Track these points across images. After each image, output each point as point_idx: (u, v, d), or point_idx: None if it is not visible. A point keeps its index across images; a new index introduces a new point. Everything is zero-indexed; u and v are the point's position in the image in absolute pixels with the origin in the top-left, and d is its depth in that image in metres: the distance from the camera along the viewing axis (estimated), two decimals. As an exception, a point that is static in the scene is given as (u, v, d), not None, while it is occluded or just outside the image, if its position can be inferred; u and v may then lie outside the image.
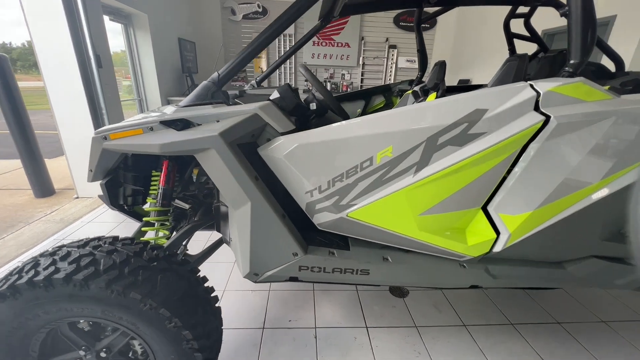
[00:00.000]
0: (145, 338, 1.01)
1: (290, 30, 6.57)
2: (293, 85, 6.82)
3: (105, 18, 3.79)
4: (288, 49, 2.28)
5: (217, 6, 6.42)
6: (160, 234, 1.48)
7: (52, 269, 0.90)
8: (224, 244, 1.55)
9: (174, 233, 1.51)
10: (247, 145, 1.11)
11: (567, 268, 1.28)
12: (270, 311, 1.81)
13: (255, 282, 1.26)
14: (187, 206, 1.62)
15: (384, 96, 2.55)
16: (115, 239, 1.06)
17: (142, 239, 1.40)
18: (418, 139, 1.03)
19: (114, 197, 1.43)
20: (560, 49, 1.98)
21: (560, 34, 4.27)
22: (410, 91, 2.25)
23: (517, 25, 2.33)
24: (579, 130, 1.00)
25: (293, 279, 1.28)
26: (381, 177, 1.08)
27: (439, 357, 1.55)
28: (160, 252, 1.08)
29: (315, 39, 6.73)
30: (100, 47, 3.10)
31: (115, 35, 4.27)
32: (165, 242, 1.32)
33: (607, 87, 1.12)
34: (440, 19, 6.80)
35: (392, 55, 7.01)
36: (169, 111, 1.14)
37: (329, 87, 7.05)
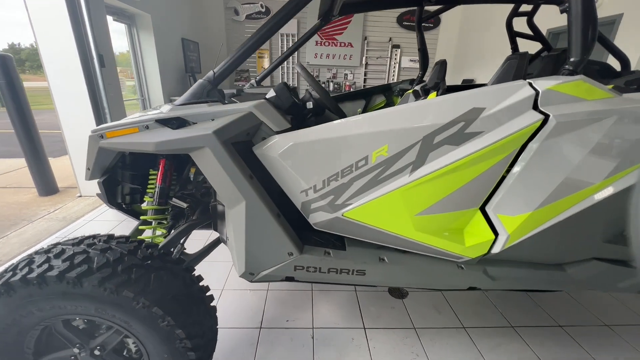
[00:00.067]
0: (138, 336, 1.01)
1: (293, 29, 6.58)
2: (295, 85, 6.83)
3: (109, 18, 3.83)
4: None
5: (220, 6, 6.45)
6: (158, 232, 1.48)
7: (45, 266, 0.90)
8: (222, 243, 1.55)
9: (172, 232, 1.51)
10: (242, 144, 1.11)
11: (568, 270, 1.25)
12: (267, 311, 1.81)
13: (251, 281, 1.26)
14: (184, 205, 1.61)
15: (384, 96, 2.54)
16: (110, 237, 1.06)
17: (139, 237, 1.41)
18: (414, 138, 1.01)
19: (112, 196, 1.44)
20: (564, 48, 1.95)
21: (565, 33, 4.21)
22: (410, 90, 2.23)
23: (520, 24, 2.31)
24: (579, 129, 0.98)
25: (289, 279, 1.27)
26: (377, 176, 1.07)
27: (436, 359, 1.53)
28: (155, 250, 1.08)
29: (318, 38, 6.73)
30: (103, 47, 3.12)
31: (121, 35, 4.31)
32: (163, 241, 1.32)
33: (610, 86, 1.10)
34: (444, 18, 6.75)
35: (395, 55, 6.98)
36: (165, 110, 1.14)
37: (331, 87, 7.04)
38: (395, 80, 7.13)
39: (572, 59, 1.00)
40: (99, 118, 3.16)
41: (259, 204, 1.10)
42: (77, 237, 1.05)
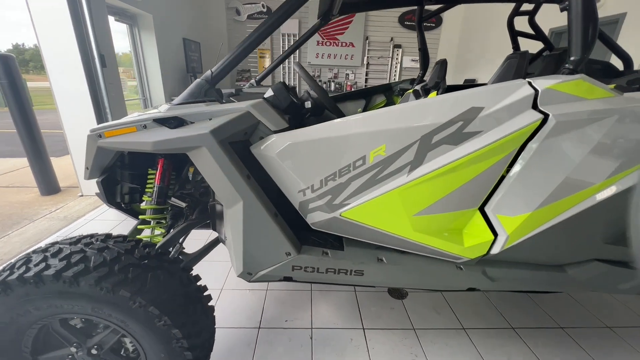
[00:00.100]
0: (135, 336, 1.01)
1: (295, 29, 6.58)
2: (295, 84, 6.83)
3: (111, 19, 3.85)
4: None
5: (222, 6, 6.46)
6: (157, 232, 1.49)
7: (42, 265, 0.90)
8: (221, 243, 1.55)
9: (171, 231, 1.51)
10: (240, 144, 1.11)
11: (569, 271, 1.24)
12: (266, 311, 1.80)
13: (249, 281, 1.25)
14: (183, 204, 1.61)
15: (385, 95, 2.53)
16: (107, 236, 1.06)
17: (138, 237, 1.41)
18: (412, 138, 1.01)
19: (111, 195, 1.44)
20: (566, 47, 1.93)
21: (569, 32, 4.17)
22: (411, 90, 2.22)
23: (522, 24, 2.29)
24: (579, 129, 0.96)
25: (287, 279, 1.26)
26: (374, 176, 1.06)
27: (436, 360, 1.52)
28: (152, 250, 1.08)
29: (319, 38, 6.73)
30: (105, 47, 3.13)
31: (124, 36, 4.32)
32: (161, 241, 1.32)
33: (612, 86, 1.08)
34: (445, 18, 6.73)
35: (397, 54, 6.96)
36: (163, 109, 1.13)
37: (332, 87, 7.03)
38: (396, 80, 7.12)
39: (572, 58, 0.99)
40: (100, 118, 3.17)
41: (256, 204, 1.09)
42: (75, 236, 1.05)
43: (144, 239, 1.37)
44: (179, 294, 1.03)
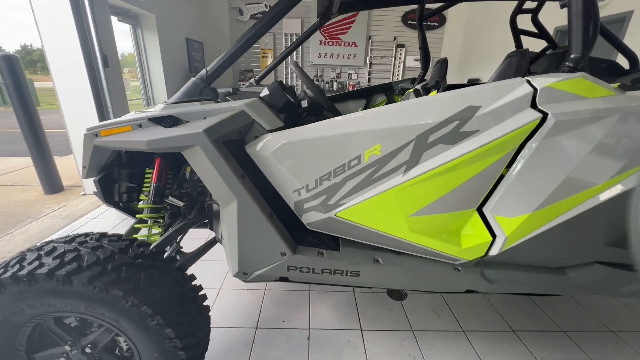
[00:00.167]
0: (128, 335, 1.00)
1: (297, 29, 6.58)
2: (295, 83, 6.82)
3: (114, 19, 3.88)
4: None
5: (224, 6, 6.48)
6: (154, 231, 1.49)
7: (36, 263, 0.90)
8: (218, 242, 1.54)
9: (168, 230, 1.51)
10: (234, 143, 1.10)
11: (569, 274, 1.22)
12: (264, 311, 1.80)
13: (245, 281, 1.25)
14: (181, 204, 1.62)
15: (385, 95, 2.51)
16: (102, 235, 1.07)
17: (135, 236, 1.42)
18: (407, 137, 0.99)
19: (109, 194, 1.44)
20: (569, 46, 1.90)
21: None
22: (411, 89, 2.20)
23: (527, 22, 2.26)
24: (579, 128, 0.94)
25: (283, 279, 1.26)
26: (370, 176, 1.05)
27: (434, 362, 1.50)
28: (146, 249, 1.07)
29: (322, 38, 6.72)
30: (108, 47, 3.16)
31: (129, 37, 4.35)
32: (157, 240, 1.32)
33: (616, 85, 1.06)
34: (449, 17, 6.68)
35: (400, 54, 6.93)
36: (159, 108, 1.13)
37: (335, 87, 7.02)
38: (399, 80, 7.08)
39: (572, 56, 0.96)
40: (103, 117, 3.19)
41: (250, 204, 1.09)
42: (70, 235, 1.05)
43: (141, 238, 1.37)
44: (173, 294, 1.02)
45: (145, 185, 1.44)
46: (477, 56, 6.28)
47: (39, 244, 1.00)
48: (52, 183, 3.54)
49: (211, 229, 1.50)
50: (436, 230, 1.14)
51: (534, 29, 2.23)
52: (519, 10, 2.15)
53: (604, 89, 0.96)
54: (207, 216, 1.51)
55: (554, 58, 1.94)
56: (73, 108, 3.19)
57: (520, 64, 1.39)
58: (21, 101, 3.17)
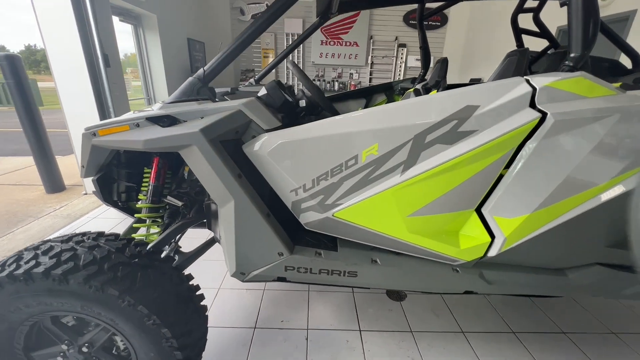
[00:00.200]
0: (125, 334, 1.00)
1: (299, 29, 6.57)
2: (299, 83, 6.82)
3: (116, 19, 3.89)
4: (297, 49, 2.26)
5: (226, 6, 6.49)
6: (152, 230, 1.49)
7: (32, 263, 0.90)
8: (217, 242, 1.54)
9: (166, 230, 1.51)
10: (232, 143, 1.10)
11: (569, 275, 1.21)
12: (263, 311, 1.79)
13: (243, 281, 1.25)
14: (180, 203, 1.62)
15: (385, 94, 2.50)
16: (99, 234, 1.07)
17: (134, 235, 1.42)
18: (405, 137, 0.98)
19: (108, 193, 1.45)
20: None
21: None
22: (412, 89, 2.19)
23: (527, 21, 2.24)
24: (579, 128, 0.93)
25: (281, 279, 1.25)
26: (367, 176, 1.04)
27: (433, 364, 1.50)
28: (143, 249, 1.07)
29: (323, 38, 6.71)
30: (109, 47, 3.16)
31: (132, 36, 4.36)
32: (154, 239, 1.32)
33: (618, 84, 1.05)
34: (451, 16, 6.65)
35: (402, 54, 6.91)
36: (156, 108, 1.13)
37: (336, 87, 7.01)
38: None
39: (572, 55, 0.95)
40: (104, 117, 3.20)
41: (247, 204, 1.08)
42: (67, 234, 1.05)
43: (139, 237, 1.37)
44: (169, 293, 1.02)
45: (143, 184, 1.44)
46: (479, 56, 6.25)
47: (36, 243, 1.00)
48: (53, 182, 3.56)
49: (209, 228, 1.50)
50: (434, 231, 1.13)
51: (535, 29, 2.21)
52: (520, 9, 2.14)
53: (604, 88, 0.95)
54: (205, 216, 1.51)
55: (555, 58, 1.93)
56: (74, 108, 3.20)
57: (519, 63, 1.38)
58: (23, 101, 3.19)
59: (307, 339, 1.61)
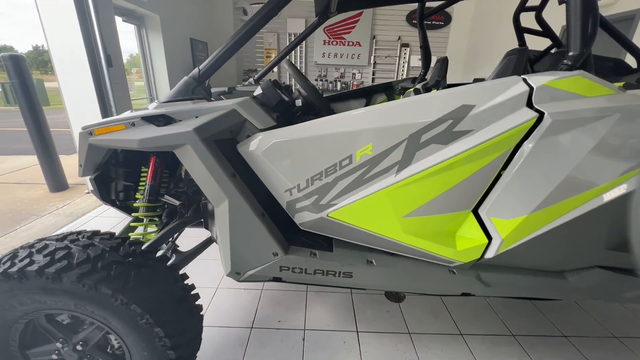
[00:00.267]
0: (118, 333, 1.01)
1: (301, 29, 6.56)
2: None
3: (119, 19, 3.92)
4: (298, 48, 2.25)
5: (229, 6, 6.51)
6: (149, 229, 1.49)
7: (27, 261, 0.91)
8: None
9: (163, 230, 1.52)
10: (227, 142, 1.09)
11: (569, 278, 1.18)
12: (260, 311, 1.79)
13: (239, 281, 1.24)
14: (177, 203, 1.62)
15: (385, 94, 2.48)
16: (94, 233, 1.07)
17: (131, 234, 1.42)
18: (399, 137, 0.97)
19: (105, 192, 1.45)
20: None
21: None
22: (412, 89, 2.18)
23: (530, 20, 2.21)
24: (577, 128, 0.91)
25: (277, 280, 1.25)
26: (361, 176, 1.03)
27: (430, 366, 1.48)
28: (138, 248, 1.08)
29: (325, 37, 6.70)
30: (112, 47, 3.19)
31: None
32: (151, 238, 1.32)
33: (621, 84, 1.03)
34: (455, 16, 6.60)
35: (405, 53, 6.87)
36: (152, 107, 1.14)
37: (339, 87, 7.00)
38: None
39: (570, 53, 0.94)
40: (106, 117, 3.23)
41: (242, 203, 1.08)
42: (63, 233, 1.06)
43: (136, 236, 1.38)
44: (163, 293, 1.02)
45: (141, 184, 1.45)
46: (483, 56, 6.19)
47: (32, 242, 1.01)
48: (57, 181, 3.60)
49: (206, 228, 1.50)
50: (430, 232, 1.12)
51: (538, 27, 2.18)
52: (522, 7, 2.11)
53: (604, 87, 0.93)
54: (203, 215, 1.51)
55: (558, 57, 1.90)
56: (77, 107, 3.23)
57: (518, 62, 1.36)
58: (27, 101, 3.23)
59: (303, 339, 1.60)
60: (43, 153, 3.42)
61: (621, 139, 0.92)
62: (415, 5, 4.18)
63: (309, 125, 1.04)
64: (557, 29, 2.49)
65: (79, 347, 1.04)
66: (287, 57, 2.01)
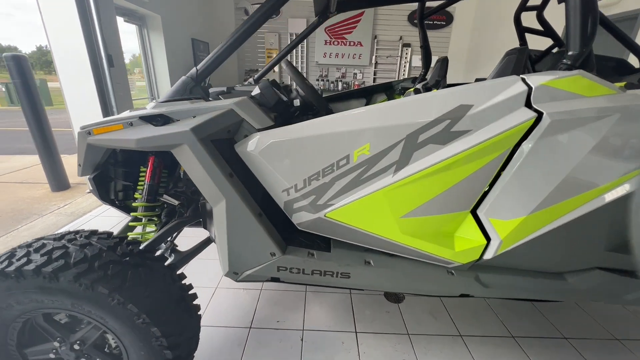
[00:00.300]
0: (115, 333, 1.01)
1: (302, 29, 6.56)
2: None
3: (121, 19, 3.94)
4: (300, 48, 2.25)
5: (230, 7, 6.52)
6: (148, 229, 1.50)
7: (24, 260, 0.91)
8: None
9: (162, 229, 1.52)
10: (224, 142, 1.09)
11: (569, 280, 1.17)
12: (259, 311, 1.79)
13: (237, 281, 1.24)
14: (176, 202, 1.62)
15: (386, 94, 2.48)
16: (92, 232, 1.07)
17: (130, 234, 1.42)
18: (397, 137, 0.97)
19: (105, 192, 1.46)
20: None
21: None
22: (412, 89, 2.17)
23: (530, 20, 2.20)
24: (577, 128, 0.90)
25: (275, 280, 1.25)
26: (359, 176, 1.03)
27: (429, 367, 1.47)
28: (136, 247, 1.08)
29: (327, 37, 6.70)
30: (113, 47, 3.20)
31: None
32: (149, 238, 1.32)
33: (623, 83, 1.02)
34: (456, 16, 6.58)
35: (406, 53, 6.85)
36: (150, 107, 1.14)
37: (340, 87, 6.99)
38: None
39: (570, 53, 0.93)
40: (107, 117, 3.24)
41: (239, 203, 1.08)
42: (61, 232, 1.06)
43: (135, 236, 1.38)
44: (160, 292, 1.02)
45: (139, 183, 1.45)
46: (484, 55, 6.17)
47: (30, 241, 1.01)
48: (58, 181, 3.62)
49: (205, 228, 1.50)
50: (428, 233, 1.11)
51: (539, 27, 2.17)
52: (523, 7, 2.10)
53: (603, 87, 0.92)
54: (201, 215, 1.51)
55: (559, 57, 1.88)
56: (79, 107, 3.24)
57: (518, 62, 1.35)
58: (29, 100, 3.24)
59: (302, 339, 1.60)
60: (45, 153, 3.43)
61: (621, 140, 0.91)
62: (416, 5, 4.17)
63: (306, 125, 1.03)
64: (559, 29, 2.47)
65: (76, 347, 1.04)
66: (287, 57, 2.00)
